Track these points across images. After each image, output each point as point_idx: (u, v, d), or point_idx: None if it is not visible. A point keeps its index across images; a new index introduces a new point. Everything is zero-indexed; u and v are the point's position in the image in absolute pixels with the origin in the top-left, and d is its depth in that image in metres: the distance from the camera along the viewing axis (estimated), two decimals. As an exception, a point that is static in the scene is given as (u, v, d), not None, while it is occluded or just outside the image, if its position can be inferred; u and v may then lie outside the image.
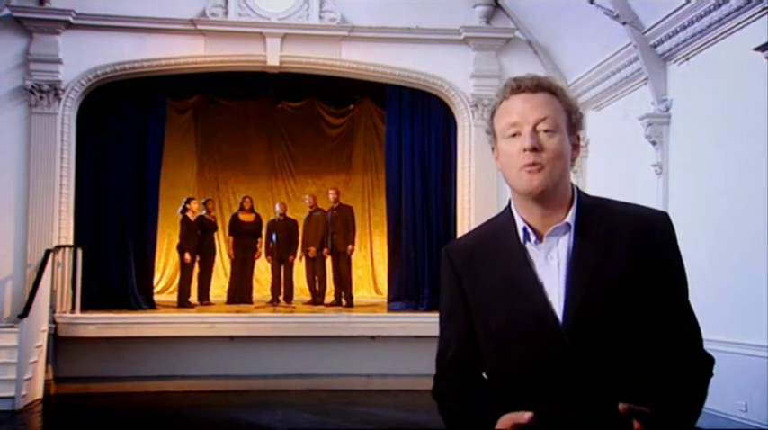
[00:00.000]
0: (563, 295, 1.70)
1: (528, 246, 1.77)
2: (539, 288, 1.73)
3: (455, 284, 1.87)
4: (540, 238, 1.76)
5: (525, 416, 1.57)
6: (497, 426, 1.61)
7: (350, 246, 11.65)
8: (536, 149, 1.70)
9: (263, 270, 13.25)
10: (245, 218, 12.12)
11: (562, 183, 1.74)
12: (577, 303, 1.69)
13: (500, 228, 1.84)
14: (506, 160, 1.76)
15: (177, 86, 11.38)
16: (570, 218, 1.75)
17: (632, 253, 1.71)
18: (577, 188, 1.80)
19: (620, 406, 1.52)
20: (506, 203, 1.86)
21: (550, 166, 1.70)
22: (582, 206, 1.77)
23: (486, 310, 1.79)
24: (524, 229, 1.77)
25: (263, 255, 12.24)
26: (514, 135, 1.74)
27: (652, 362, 1.69)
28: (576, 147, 1.79)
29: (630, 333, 1.68)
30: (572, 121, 1.78)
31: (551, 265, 1.74)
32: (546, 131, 1.72)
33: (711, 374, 1.76)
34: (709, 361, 1.76)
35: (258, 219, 12.23)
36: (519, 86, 1.76)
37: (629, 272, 1.70)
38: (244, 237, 12.02)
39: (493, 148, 1.84)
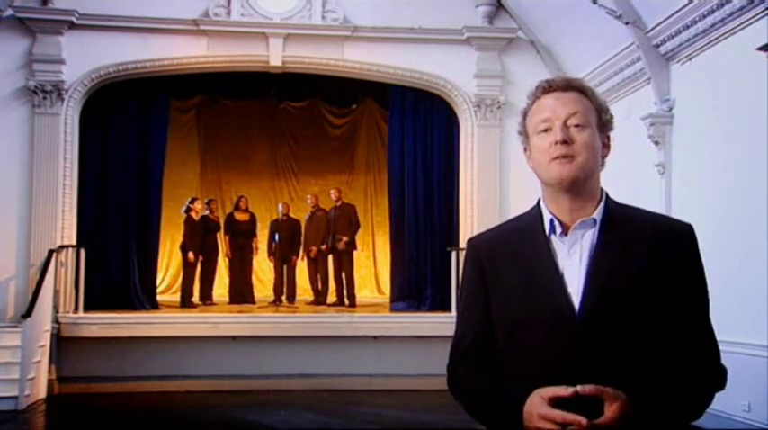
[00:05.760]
0: (581, 288, 1.74)
1: (552, 238, 1.81)
2: (558, 279, 1.77)
3: (478, 276, 1.90)
4: (565, 232, 1.80)
5: (569, 390, 1.62)
6: (533, 397, 1.65)
7: (345, 239, 11.44)
8: (566, 142, 1.75)
9: (265, 270, 13.28)
10: (241, 217, 12.16)
11: (593, 177, 1.80)
12: (595, 296, 1.72)
13: (526, 221, 1.89)
14: (538, 155, 1.81)
15: (180, 86, 11.40)
16: (597, 214, 1.79)
17: (654, 257, 1.75)
18: (606, 192, 1.85)
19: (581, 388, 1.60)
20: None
21: (582, 158, 1.76)
22: (609, 206, 1.82)
23: (506, 298, 1.83)
24: (551, 221, 1.81)
25: (266, 254, 12.28)
26: (546, 130, 1.79)
27: (664, 363, 1.72)
28: (606, 146, 1.84)
29: (644, 332, 1.71)
30: (602, 120, 1.83)
31: (573, 258, 1.78)
32: (576, 126, 1.77)
33: (722, 386, 1.78)
34: (722, 373, 1.79)
35: (253, 218, 12.28)
36: (550, 86, 1.83)
37: (648, 274, 1.73)
38: (240, 237, 12.06)
39: (525, 149, 1.89)
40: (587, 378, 1.64)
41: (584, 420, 1.57)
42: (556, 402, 1.62)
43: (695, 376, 1.74)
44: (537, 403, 1.64)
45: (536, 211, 1.87)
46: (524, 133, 1.88)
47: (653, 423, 1.64)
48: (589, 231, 1.79)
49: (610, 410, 1.59)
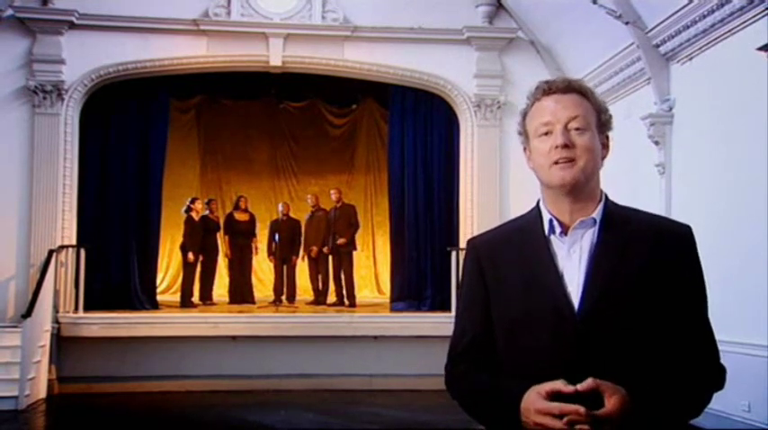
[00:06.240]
0: (581, 287, 1.75)
1: (552, 238, 1.82)
2: (558, 279, 1.77)
3: (477, 275, 1.91)
4: (564, 232, 1.80)
5: (569, 387, 1.62)
6: (529, 393, 1.65)
7: (343, 240, 11.45)
8: (567, 146, 1.76)
9: (265, 270, 13.28)
10: (240, 217, 12.17)
11: (593, 179, 1.80)
12: (595, 296, 1.73)
13: (526, 221, 1.90)
14: (539, 158, 1.82)
15: (180, 86, 11.40)
16: (597, 214, 1.80)
17: (653, 257, 1.76)
18: (606, 194, 1.86)
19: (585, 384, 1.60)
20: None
21: (582, 161, 1.77)
22: (608, 206, 1.83)
23: (506, 297, 1.83)
24: (550, 221, 1.82)
25: (266, 254, 12.28)
26: (547, 133, 1.80)
27: (663, 362, 1.73)
28: (605, 146, 1.85)
29: (644, 332, 1.72)
30: (601, 121, 1.84)
31: (573, 258, 1.79)
32: (577, 129, 1.78)
33: (721, 385, 1.79)
34: (721, 372, 1.80)
35: (252, 218, 12.29)
36: (550, 88, 1.83)
37: (648, 274, 1.74)
38: (239, 237, 12.07)
39: (525, 149, 1.90)
40: (587, 377, 1.64)
41: (582, 408, 1.58)
42: (553, 397, 1.63)
43: (694, 374, 1.75)
44: (533, 399, 1.65)
45: (536, 212, 1.87)
46: (524, 134, 1.88)
47: (652, 419, 1.64)
48: (589, 231, 1.79)
49: (610, 403, 1.59)
